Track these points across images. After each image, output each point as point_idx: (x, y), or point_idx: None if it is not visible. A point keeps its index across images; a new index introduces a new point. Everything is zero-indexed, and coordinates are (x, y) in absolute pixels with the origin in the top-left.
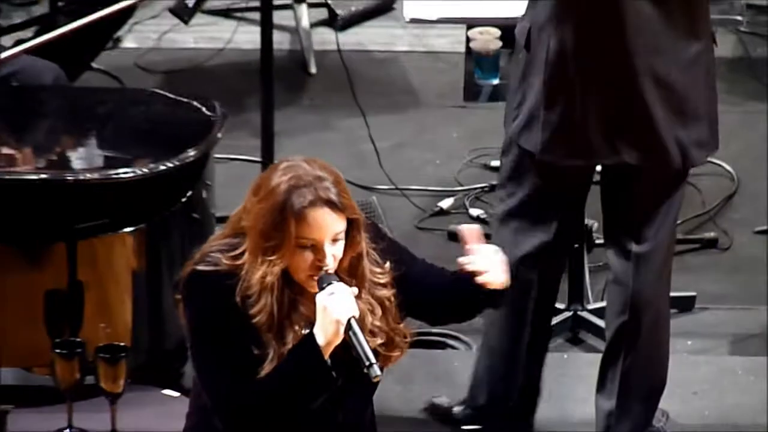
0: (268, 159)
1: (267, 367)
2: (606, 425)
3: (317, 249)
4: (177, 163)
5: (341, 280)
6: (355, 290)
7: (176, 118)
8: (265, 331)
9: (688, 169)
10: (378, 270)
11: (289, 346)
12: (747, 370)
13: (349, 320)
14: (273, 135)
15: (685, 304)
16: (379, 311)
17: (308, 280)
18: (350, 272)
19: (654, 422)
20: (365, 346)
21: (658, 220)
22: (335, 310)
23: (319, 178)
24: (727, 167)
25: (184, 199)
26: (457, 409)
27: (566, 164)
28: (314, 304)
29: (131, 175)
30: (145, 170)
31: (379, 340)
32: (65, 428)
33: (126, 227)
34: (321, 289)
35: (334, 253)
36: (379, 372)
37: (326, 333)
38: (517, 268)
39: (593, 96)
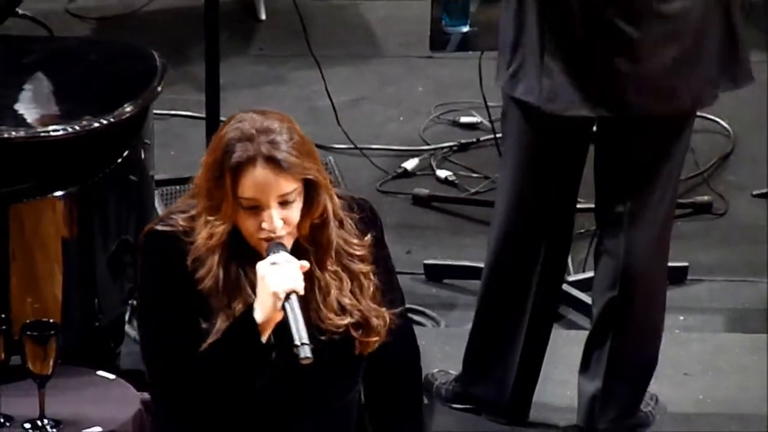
0: (212, 115)
1: (211, 339)
2: (589, 410)
3: (261, 211)
4: (112, 119)
5: (301, 248)
6: (305, 263)
7: (111, 70)
8: (213, 300)
9: (694, 114)
10: (354, 241)
11: (239, 312)
12: (745, 349)
13: (288, 294)
14: (218, 88)
15: (677, 276)
16: (347, 285)
17: (260, 245)
18: (312, 239)
19: (642, 406)
20: (299, 323)
21: (658, 177)
22: (272, 281)
23: (265, 131)
24: (723, 123)
25: (120, 160)
26: (446, 386)
27: (572, 114)
28: None
29: (61, 132)
30: (77, 127)
31: (349, 319)
32: None
33: (56, 190)
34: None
35: (285, 217)
36: (308, 354)
37: (264, 307)
38: (520, 237)
39: (597, 37)
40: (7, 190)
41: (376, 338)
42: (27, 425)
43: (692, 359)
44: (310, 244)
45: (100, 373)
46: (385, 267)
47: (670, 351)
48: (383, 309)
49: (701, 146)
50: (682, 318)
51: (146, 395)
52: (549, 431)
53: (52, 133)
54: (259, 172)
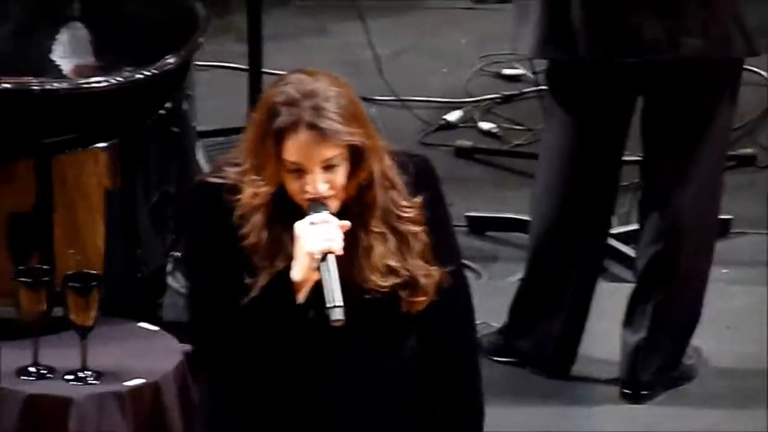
0: (254, 67)
1: (251, 296)
2: (632, 362)
3: (305, 174)
4: (154, 71)
5: (347, 208)
6: (346, 223)
7: (154, 20)
8: (256, 257)
9: (742, 64)
10: (403, 202)
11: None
12: None
13: (325, 255)
14: (261, 40)
15: (721, 229)
16: (393, 245)
17: (305, 205)
18: (357, 200)
19: (685, 359)
20: (334, 284)
21: (707, 130)
22: (308, 241)
23: (310, 96)
24: (766, 74)
25: (162, 112)
26: (488, 339)
27: (617, 61)
28: None
29: (104, 84)
30: (120, 79)
31: (394, 279)
32: (30, 365)
33: (98, 142)
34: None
35: (329, 180)
36: (340, 316)
37: (300, 267)
38: (567, 190)
39: None
40: (50, 142)
41: (423, 297)
42: (69, 376)
43: (735, 312)
44: (355, 204)
45: (142, 324)
46: (440, 226)
47: (713, 304)
48: (433, 268)
49: (745, 98)
50: (725, 271)
51: (188, 347)
52: (591, 384)
53: (94, 85)
54: (302, 138)
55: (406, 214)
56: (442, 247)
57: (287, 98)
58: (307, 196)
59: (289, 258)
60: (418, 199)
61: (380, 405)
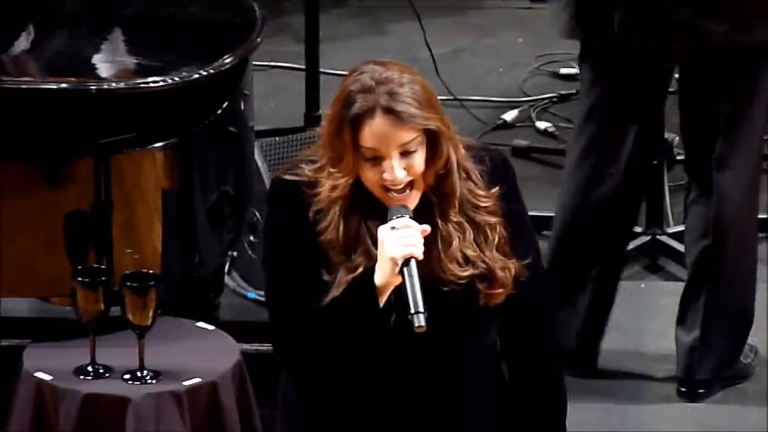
0: (312, 67)
1: (333, 294)
2: (688, 361)
3: (382, 161)
4: (212, 71)
5: (426, 198)
6: (426, 227)
7: (211, 21)
8: (333, 252)
9: None
10: (480, 192)
11: (360, 271)
12: None
13: (408, 260)
14: (318, 40)
15: (765, 228)
16: (471, 236)
17: (384, 195)
18: (436, 189)
19: (742, 358)
20: (416, 290)
21: (743, 121)
22: (390, 247)
23: (384, 82)
24: None
25: (219, 111)
26: None
27: (644, 46)
28: None
29: (161, 84)
30: (177, 79)
31: (472, 270)
32: (88, 364)
33: (156, 142)
34: (388, 221)
35: (407, 166)
36: (422, 323)
37: (383, 271)
38: (591, 189)
39: None
40: (108, 142)
41: (501, 290)
42: (127, 376)
43: None
44: (434, 194)
45: (200, 324)
46: (515, 219)
47: (766, 303)
48: (510, 261)
49: None
50: None
51: (246, 346)
52: (648, 383)
53: (152, 85)
54: (378, 123)
55: (483, 204)
56: (520, 240)
57: (362, 86)
58: (386, 184)
59: (367, 254)
60: (495, 190)
61: (466, 399)
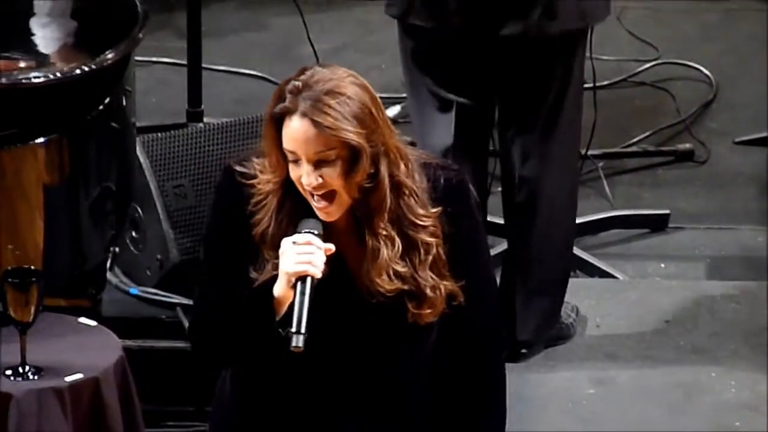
0: (194, 62)
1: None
2: (510, 323)
3: (302, 164)
4: (93, 66)
5: (356, 210)
6: (330, 246)
7: (93, 16)
8: (263, 248)
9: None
10: (420, 211)
11: (271, 276)
12: (726, 297)
13: (303, 278)
14: (200, 35)
15: (658, 223)
16: (400, 251)
17: (309, 198)
18: (364, 202)
19: (563, 318)
20: (303, 309)
21: (545, 102)
22: (285, 261)
23: (314, 86)
24: (705, 71)
25: (101, 107)
26: None
27: (430, 27)
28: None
29: (42, 79)
30: (58, 74)
31: (400, 285)
32: None
33: (37, 138)
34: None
35: (322, 175)
36: (299, 344)
37: (281, 284)
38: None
39: None
40: None
41: (429, 310)
42: (8, 372)
43: (673, 306)
44: (361, 206)
45: (82, 320)
46: (461, 242)
47: (652, 298)
48: (444, 282)
49: (683, 94)
50: (663, 265)
51: (128, 342)
52: None
53: (33, 80)
54: (296, 126)
55: (422, 223)
56: (463, 263)
57: (293, 87)
58: (306, 187)
59: None
60: (436, 210)
61: (391, 414)
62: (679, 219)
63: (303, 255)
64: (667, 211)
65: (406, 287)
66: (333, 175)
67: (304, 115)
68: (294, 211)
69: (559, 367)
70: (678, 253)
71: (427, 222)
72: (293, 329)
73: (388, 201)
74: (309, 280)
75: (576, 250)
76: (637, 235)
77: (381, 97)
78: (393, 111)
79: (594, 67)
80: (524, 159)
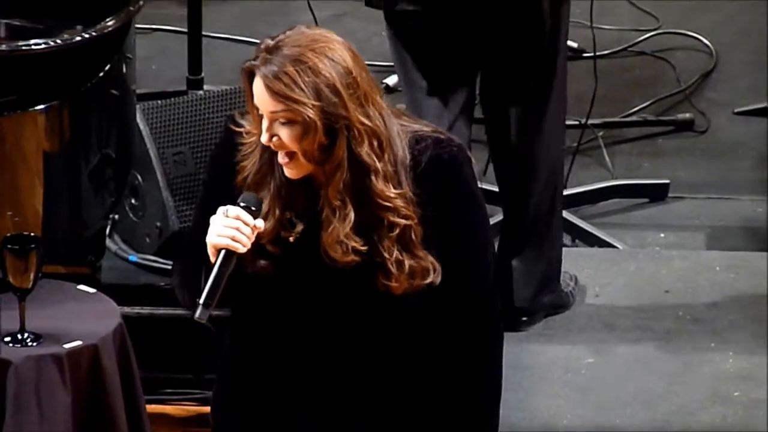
0: (194, 30)
1: None
2: (507, 289)
3: (263, 119)
4: (94, 33)
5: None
6: (259, 223)
7: None
8: None
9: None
10: (388, 192)
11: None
12: (725, 267)
13: (225, 252)
14: (200, 3)
15: (658, 193)
16: (351, 222)
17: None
18: (321, 170)
19: (563, 286)
20: (216, 282)
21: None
22: (211, 232)
23: (278, 50)
24: (705, 40)
25: (101, 74)
26: None
27: (398, 9)
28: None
29: (43, 46)
30: (59, 41)
31: (353, 257)
32: None
33: (37, 104)
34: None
35: (275, 135)
36: (201, 316)
37: (209, 251)
38: None
39: None
40: None
41: (395, 284)
42: (7, 338)
43: (672, 276)
44: (319, 173)
45: (81, 287)
46: (450, 218)
47: (651, 268)
48: (414, 259)
49: (683, 63)
50: (662, 235)
51: (127, 309)
52: None
53: (33, 47)
54: (256, 85)
55: (387, 204)
56: (449, 239)
57: (266, 45)
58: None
59: (270, 203)
60: (404, 191)
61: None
62: (679, 189)
63: (228, 229)
64: (667, 181)
65: (361, 260)
66: (287, 138)
67: (261, 76)
68: (272, 163)
69: (557, 337)
70: (678, 223)
71: (397, 203)
72: (201, 300)
73: (344, 175)
74: (224, 253)
75: (575, 220)
76: (636, 205)
77: (381, 66)
78: (393, 79)
79: (594, 36)
80: (516, 125)
